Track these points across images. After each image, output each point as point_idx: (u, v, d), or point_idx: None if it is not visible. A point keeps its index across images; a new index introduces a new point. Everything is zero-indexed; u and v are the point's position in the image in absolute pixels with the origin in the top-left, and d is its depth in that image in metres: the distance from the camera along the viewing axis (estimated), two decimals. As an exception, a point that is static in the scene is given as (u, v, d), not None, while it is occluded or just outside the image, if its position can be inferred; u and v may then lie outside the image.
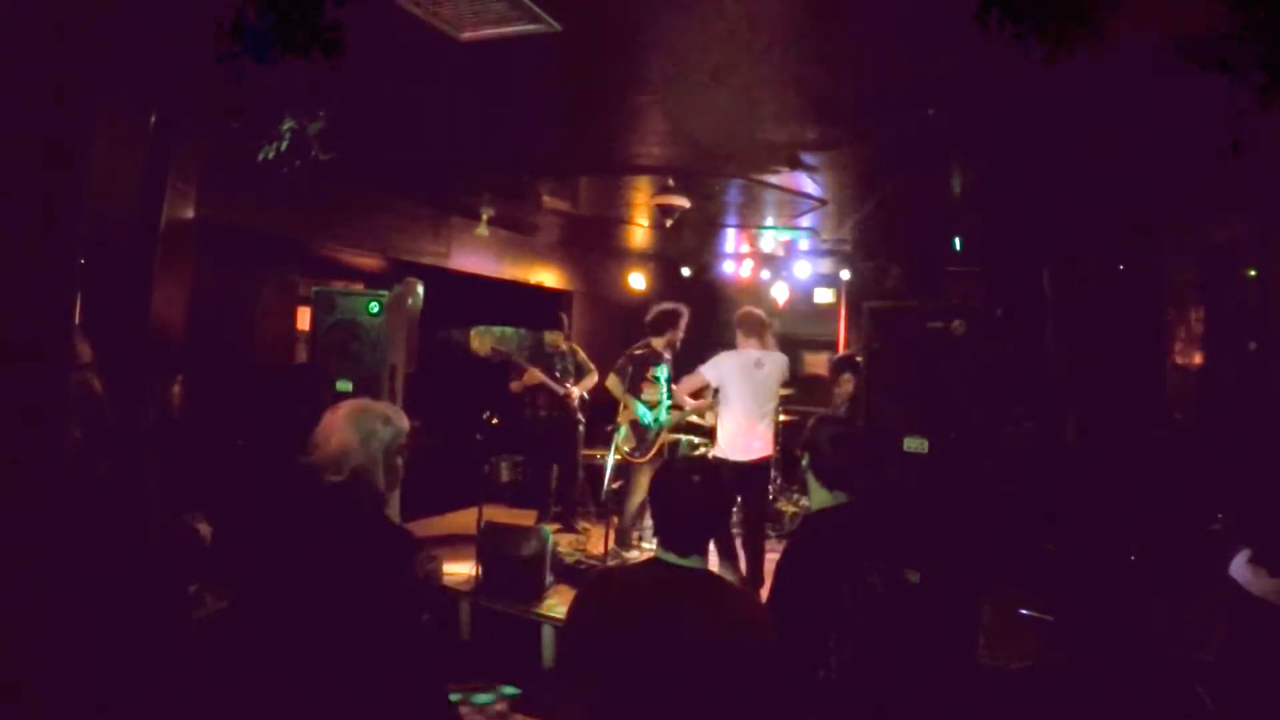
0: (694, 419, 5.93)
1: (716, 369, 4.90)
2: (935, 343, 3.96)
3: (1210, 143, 2.27)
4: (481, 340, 7.19)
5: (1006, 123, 3.55)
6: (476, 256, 6.92)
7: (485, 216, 6.17)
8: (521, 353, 6.29)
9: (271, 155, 3.21)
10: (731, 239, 7.69)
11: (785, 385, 5.17)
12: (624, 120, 3.91)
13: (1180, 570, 4.19)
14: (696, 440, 6.41)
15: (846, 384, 5.63)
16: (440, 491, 5.99)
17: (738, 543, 4.84)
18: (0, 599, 1.40)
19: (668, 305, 5.41)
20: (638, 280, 8.85)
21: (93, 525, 1.93)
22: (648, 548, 5.22)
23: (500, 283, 7.43)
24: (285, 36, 1.81)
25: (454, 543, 5.41)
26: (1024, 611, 4.47)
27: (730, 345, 5.00)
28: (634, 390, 5.28)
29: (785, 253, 8.06)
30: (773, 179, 4.91)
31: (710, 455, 5.14)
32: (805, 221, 6.33)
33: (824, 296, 8.81)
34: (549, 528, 5.30)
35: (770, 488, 6.38)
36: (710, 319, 7.15)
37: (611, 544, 5.11)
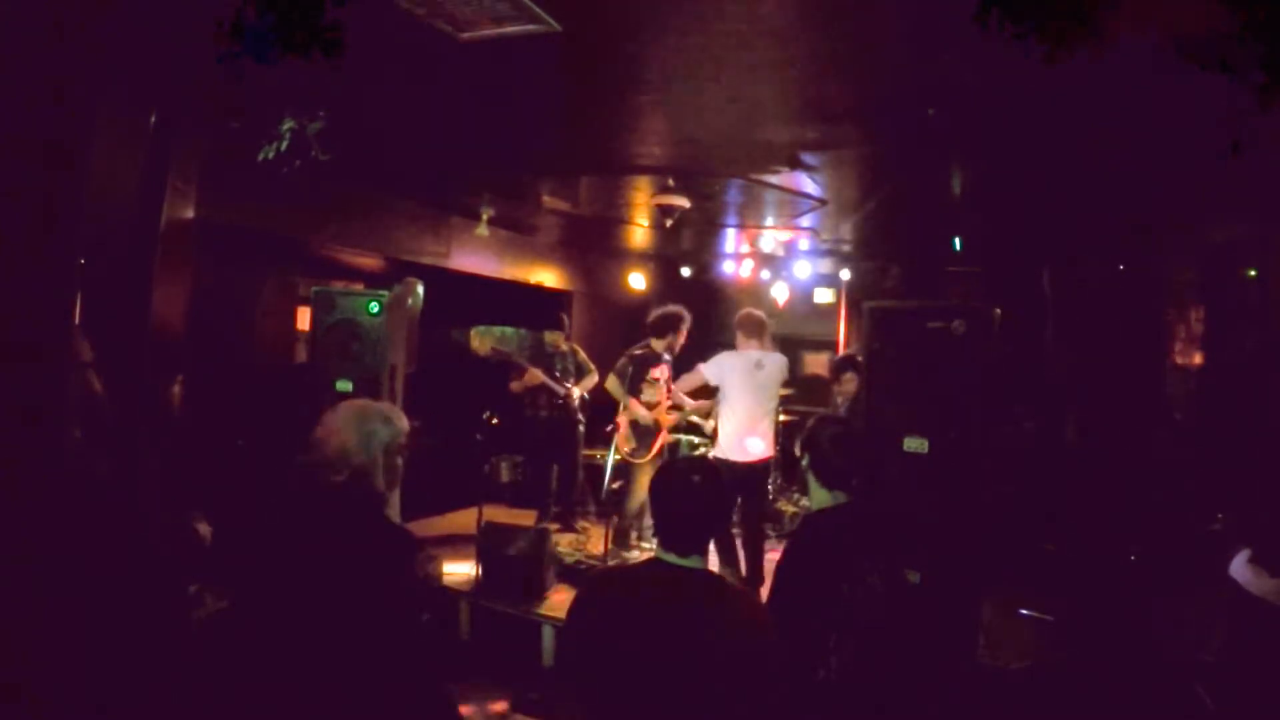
0: (694, 419, 5.93)
1: (717, 368, 4.90)
2: (935, 343, 3.96)
3: (1210, 143, 2.27)
4: (482, 340, 7.19)
5: (1006, 123, 3.55)
6: (476, 256, 6.92)
7: (485, 216, 6.17)
8: (522, 353, 6.28)
9: (271, 155, 3.21)
10: (731, 239, 7.69)
11: (784, 385, 5.18)
12: (624, 120, 3.91)
13: (1180, 570, 4.19)
14: (696, 440, 6.41)
15: (849, 384, 5.62)
16: (440, 491, 5.99)
17: (738, 543, 4.84)
18: (0, 599, 1.40)
19: (671, 309, 5.36)
20: (638, 280, 8.85)
21: (93, 525, 1.93)
22: (647, 547, 5.22)
23: (500, 283, 7.43)
24: (285, 36, 1.81)
25: (454, 543, 5.41)
26: (1024, 611, 4.47)
27: (730, 345, 5.00)
28: (634, 391, 5.28)
29: (785, 253, 8.06)
30: (773, 179, 4.91)
31: (710, 456, 5.14)
32: (805, 221, 6.33)
33: (824, 296, 8.81)
34: (549, 527, 5.31)
35: (770, 488, 6.38)
36: (710, 319, 7.15)
37: (611, 544, 5.11)
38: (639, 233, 7.35)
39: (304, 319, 5.62)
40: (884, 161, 4.48)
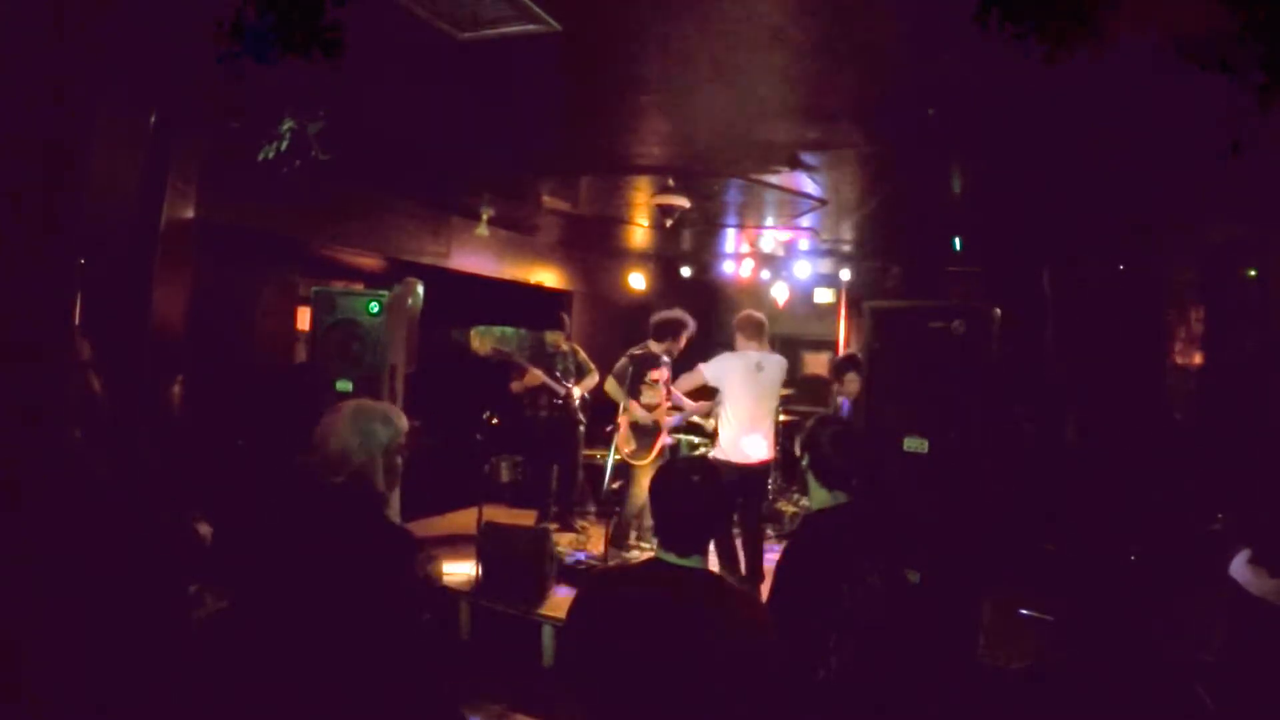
0: (695, 419, 5.93)
1: (718, 368, 4.89)
2: (935, 343, 3.96)
3: (1210, 143, 2.27)
4: (482, 340, 7.19)
5: (1006, 123, 3.55)
6: (476, 256, 6.92)
7: (485, 216, 6.17)
8: (522, 353, 6.28)
9: (271, 155, 3.21)
10: (731, 239, 7.69)
11: (784, 386, 5.18)
12: (624, 120, 3.91)
13: (1180, 570, 4.19)
14: (696, 440, 6.41)
15: (851, 384, 5.61)
16: (440, 491, 5.99)
17: (738, 543, 4.84)
18: (0, 599, 1.40)
19: (675, 316, 5.30)
20: (638, 280, 8.85)
21: (93, 525, 1.93)
22: (647, 547, 5.22)
23: (500, 283, 7.43)
24: (285, 36, 1.81)
25: (454, 543, 5.41)
26: (1024, 611, 4.47)
27: (729, 346, 5.00)
28: (633, 393, 5.28)
29: (785, 253, 8.06)
30: (773, 179, 4.91)
31: (710, 456, 5.14)
32: (805, 221, 6.33)
33: (824, 296, 8.81)
34: (549, 527, 5.31)
35: (770, 488, 6.38)
36: (710, 319, 7.15)
37: (610, 544, 5.11)
38: (639, 233, 7.35)
39: (304, 319, 5.62)
40: (884, 161, 4.48)
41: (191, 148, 3.83)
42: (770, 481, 6.17)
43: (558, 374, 6.06)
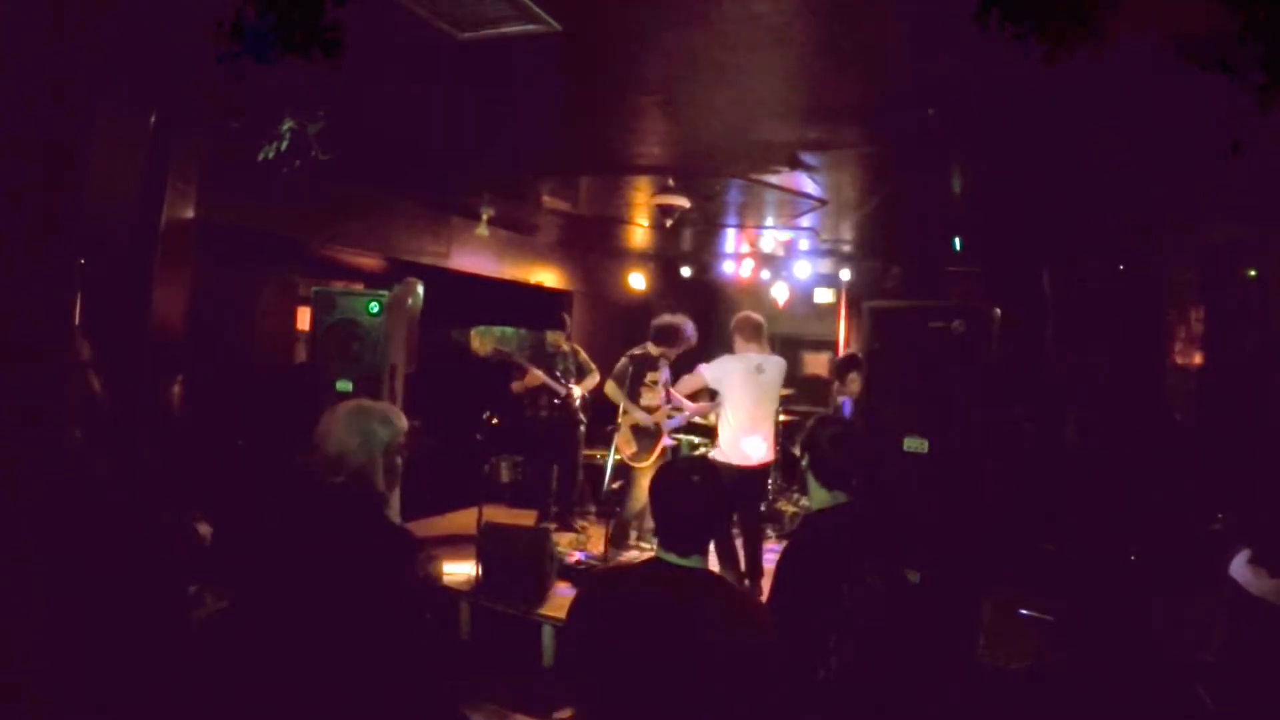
0: (696, 419, 5.93)
1: (718, 371, 4.89)
2: (935, 343, 3.96)
3: (1210, 143, 2.27)
4: (482, 340, 7.19)
5: (1006, 123, 3.55)
6: (476, 256, 6.92)
7: (485, 216, 6.17)
8: (523, 353, 6.28)
9: (271, 155, 3.21)
10: (731, 239, 7.69)
11: (783, 386, 5.17)
12: (624, 120, 3.91)
13: (1180, 570, 4.19)
14: (696, 440, 6.41)
15: (854, 384, 5.61)
16: (440, 491, 5.99)
17: (737, 544, 4.84)
18: (0, 599, 1.40)
19: (675, 322, 5.28)
20: (638, 280, 8.85)
21: (93, 525, 1.93)
22: (647, 547, 5.22)
23: (500, 283, 7.43)
24: (285, 36, 1.81)
25: (454, 543, 5.41)
26: (1024, 611, 4.47)
27: (729, 346, 4.99)
28: (633, 396, 5.28)
29: (785, 253, 8.06)
30: (773, 179, 4.91)
31: (710, 457, 5.14)
32: (805, 221, 6.33)
33: (824, 296, 8.81)
34: (549, 527, 5.31)
35: (770, 488, 6.38)
36: (710, 319, 7.15)
37: (610, 544, 5.12)
38: (639, 233, 7.35)
39: (304, 319, 5.62)
40: (884, 161, 4.48)
41: (191, 148, 3.83)
42: (770, 481, 6.17)
43: (558, 374, 6.06)
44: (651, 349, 5.30)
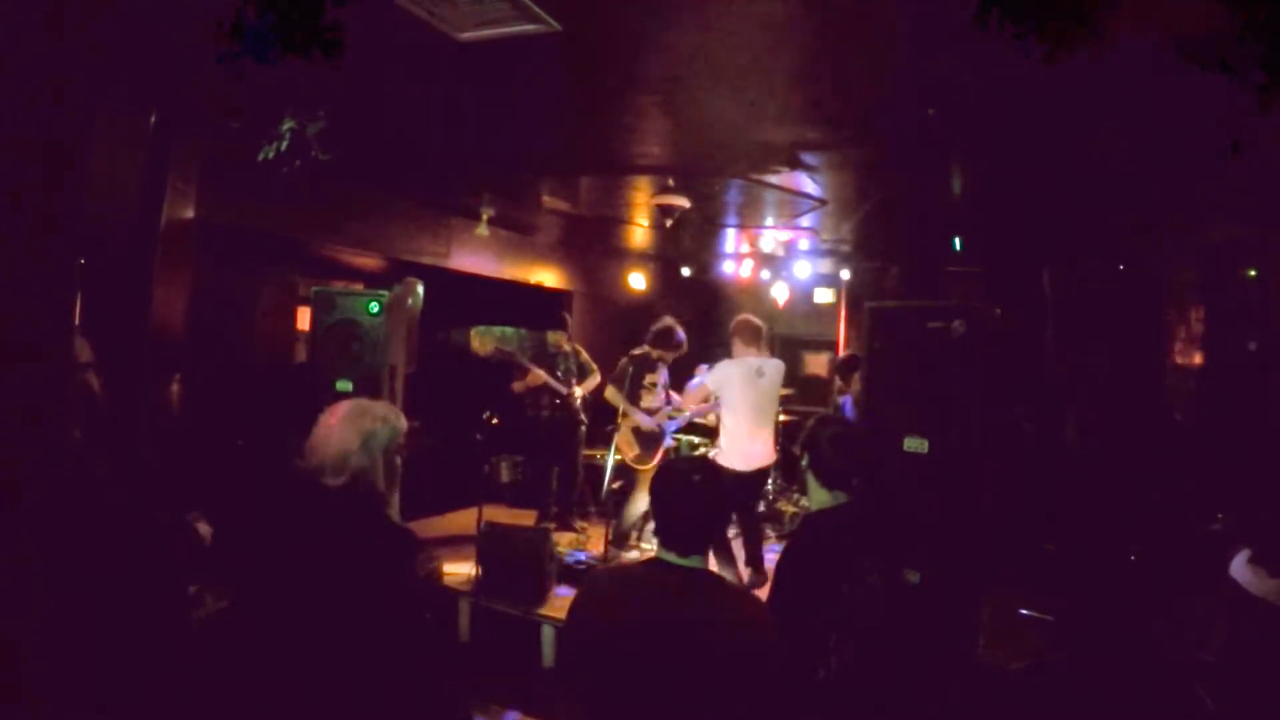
0: (696, 420, 5.94)
1: (719, 376, 4.88)
2: (935, 343, 3.96)
3: (1210, 143, 2.27)
4: (483, 340, 7.19)
5: (1006, 123, 3.55)
6: (476, 256, 6.92)
7: (485, 216, 6.17)
8: (523, 353, 6.28)
9: (271, 155, 3.21)
10: (731, 239, 7.69)
11: (783, 386, 5.18)
12: (624, 120, 3.91)
13: (1180, 570, 4.19)
14: (696, 440, 6.41)
15: (858, 384, 5.61)
16: (440, 491, 5.99)
17: (736, 544, 4.84)
18: (0, 599, 1.40)
19: (671, 327, 5.33)
20: (638, 280, 8.85)
21: (93, 525, 1.93)
22: (647, 548, 5.22)
23: (500, 283, 7.42)
24: (285, 36, 1.81)
25: (454, 543, 5.41)
26: (1024, 611, 4.47)
27: (728, 347, 4.99)
28: (633, 398, 5.28)
29: (785, 253, 8.06)
30: (773, 179, 4.91)
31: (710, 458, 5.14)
32: (805, 221, 6.33)
33: (824, 296, 8.82)
34: (549, 527, 5.31)
35: (770, 488, 6.38)
36: (710, 319, 7.15)
37: (610, 544, 5.11)
38: (639, 233, 7.35)
39: (304, 319, 5.62)
40: (884, 161, 4.48)
41: (191, 148, 3.83)
42: (770, 481, 6.16)
43: (559, 374, 6.06)
44: (651, 351, 5.31)
